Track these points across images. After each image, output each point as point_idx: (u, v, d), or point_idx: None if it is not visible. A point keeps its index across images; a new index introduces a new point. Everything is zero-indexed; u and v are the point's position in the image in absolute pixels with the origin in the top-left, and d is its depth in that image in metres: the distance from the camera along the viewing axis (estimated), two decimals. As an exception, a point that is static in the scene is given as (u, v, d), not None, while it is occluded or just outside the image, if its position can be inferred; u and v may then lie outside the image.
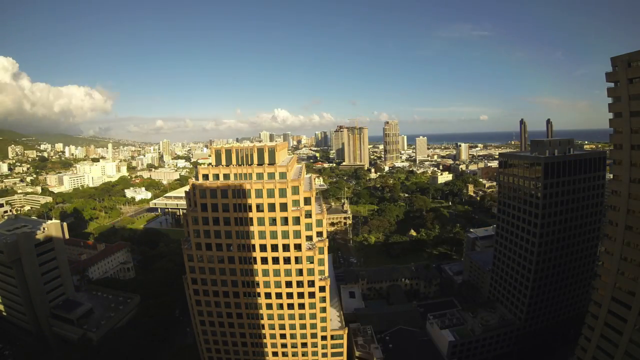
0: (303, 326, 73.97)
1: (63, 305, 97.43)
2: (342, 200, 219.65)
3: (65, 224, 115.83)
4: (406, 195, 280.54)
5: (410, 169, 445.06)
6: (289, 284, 70.98)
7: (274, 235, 68.42)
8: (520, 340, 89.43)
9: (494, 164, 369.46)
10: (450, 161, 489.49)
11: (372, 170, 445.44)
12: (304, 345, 75.49)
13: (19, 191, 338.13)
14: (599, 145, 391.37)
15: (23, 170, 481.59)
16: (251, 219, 67.64)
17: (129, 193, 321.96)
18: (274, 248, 69.06)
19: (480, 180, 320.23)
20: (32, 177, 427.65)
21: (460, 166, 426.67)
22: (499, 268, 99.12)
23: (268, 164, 69.00)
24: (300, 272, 70.09)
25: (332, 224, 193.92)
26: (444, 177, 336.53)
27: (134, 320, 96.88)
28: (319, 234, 72.19)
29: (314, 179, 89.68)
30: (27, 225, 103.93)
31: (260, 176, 67.72)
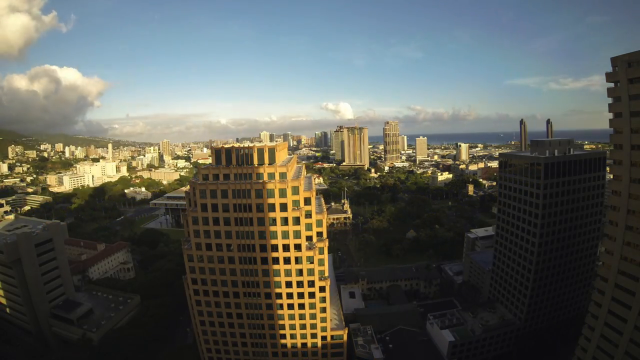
0: (303, 326, 74.01)
1: (63, 305, 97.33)
2: (342, 200, 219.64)
3: (65, 223, 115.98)
4: (406, 195, 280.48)
5: (410, 169, 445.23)
6: (289, 284, 71.01)
7: (274, 235, 68.44)
8: (520, 340, 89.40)
9: (494, 164, 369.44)
10: (450, 161, 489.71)
11: (372, 170, 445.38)
12: (304, 345, 75.51)
13: (19, 191, 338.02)
14: (599, 146, 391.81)
15: (23, 170, 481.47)
16: (251, 219, 67.64)
17: (129, 193, 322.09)
18: (274, 248, 69.07)
19: (480, 180, 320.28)
20: (32, 177, 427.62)
21: (460, 166, 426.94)
22: (499, 268, 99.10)
23: (268, 164, 68.94)
24: (300, 273, 70.13)
25: (332, 224, 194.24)
26: (444, 177, 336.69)
27: (134, 320, 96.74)
28: (319, 234, 72.22)
29: (314, 179, 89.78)
30: (27, 225, 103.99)
31: (260, 176, 67.73)
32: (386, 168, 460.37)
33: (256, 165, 68.67)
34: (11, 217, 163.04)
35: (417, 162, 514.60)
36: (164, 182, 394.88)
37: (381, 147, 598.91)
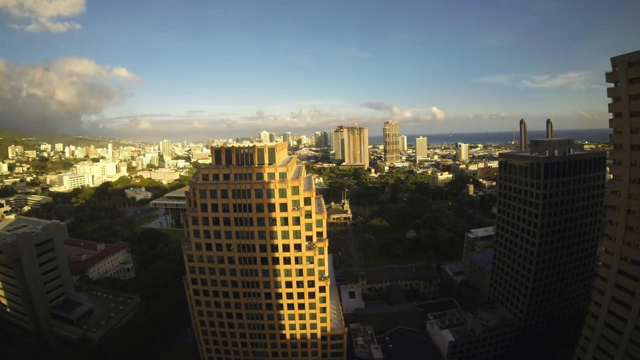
0: (303, 326, 74.01)
1: (63, 305, 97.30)
2: (342, 200, 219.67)
3: (65, 223, 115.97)
4: (406, 195, 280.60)
5: (410, 169, 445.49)
6: (289, 284, 71.00)
7: (274, 235, 68.43)
8: (520, 340, 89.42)
9: (494, 164, 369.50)
10: (450, 161, 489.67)
11: (372, 170, 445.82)
12: (304, 345, 75.50)
13: (19, 191, 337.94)
14: (599, 146, 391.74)
15: (23, 170, 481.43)
16: (251, 219, 67.62)
17: (129, 193, 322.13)
18: (274, 248, 69.06)
19: (480, 180, 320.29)
20: (32, 177, 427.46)
21: (460, 166, 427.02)
22: (499, 268, 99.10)
23: (268, 164, 68.90)
24: (300, 273, 70.12)
25: (332, 224, 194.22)
26: (444, 177, 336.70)
27: (134, 320, 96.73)
28: (319, 234, 72.21)
29: (314, 179, 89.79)
30: (27, 225, 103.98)
31: (260, 176, 67.67)
32: (386, 168, 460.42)
33: (256, 165, 68.62)
34: (11, 217, 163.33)
35: (417, 162, 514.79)
36: (164, 182, 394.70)
37: (381, 147, 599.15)
